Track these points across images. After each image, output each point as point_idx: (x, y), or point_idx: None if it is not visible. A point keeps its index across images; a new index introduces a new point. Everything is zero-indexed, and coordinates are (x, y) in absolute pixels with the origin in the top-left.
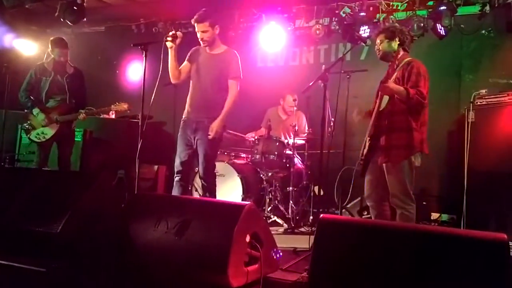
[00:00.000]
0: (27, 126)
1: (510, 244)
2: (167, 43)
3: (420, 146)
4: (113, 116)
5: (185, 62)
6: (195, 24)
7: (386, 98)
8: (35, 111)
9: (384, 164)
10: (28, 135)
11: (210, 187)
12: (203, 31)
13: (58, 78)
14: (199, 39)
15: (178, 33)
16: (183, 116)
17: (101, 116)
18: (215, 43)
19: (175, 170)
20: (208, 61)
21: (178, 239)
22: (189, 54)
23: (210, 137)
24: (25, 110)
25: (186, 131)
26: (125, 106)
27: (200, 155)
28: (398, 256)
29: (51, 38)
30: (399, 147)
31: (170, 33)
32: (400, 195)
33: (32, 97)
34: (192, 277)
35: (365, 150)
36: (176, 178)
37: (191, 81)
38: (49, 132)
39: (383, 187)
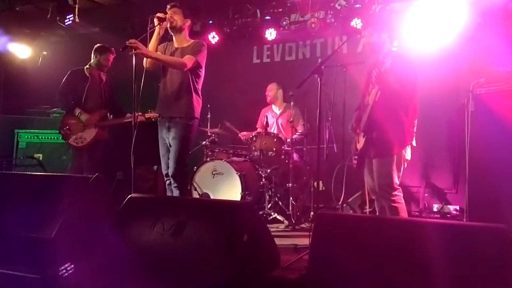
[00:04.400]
0: (65, 130)
1: None
2: (154, 20)
3: (411, 139)
4: None
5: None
6: (168, 9)
7: (373, 92)
8: (77, 110)
9: (376, 158)
10: (67, 140)
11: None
12: (174, 12)
13: (95, 85)
14: (167, 21)
15: (168, 16)
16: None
17: None
18: (182, 34)
19: (163, 173)
20: (175, 55)
21: (174, 241)
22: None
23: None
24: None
25: (162, 132)
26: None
27: (171, 153)
28: (397, 248)
29: (96, 46)
30: (390, 141)
31: (158, 14)
32: (387, 187)
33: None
34: (189, 279)
35: (359, 145)
36: (167, 182)
37: (161, 78)
38: (88, 136)
39: None
